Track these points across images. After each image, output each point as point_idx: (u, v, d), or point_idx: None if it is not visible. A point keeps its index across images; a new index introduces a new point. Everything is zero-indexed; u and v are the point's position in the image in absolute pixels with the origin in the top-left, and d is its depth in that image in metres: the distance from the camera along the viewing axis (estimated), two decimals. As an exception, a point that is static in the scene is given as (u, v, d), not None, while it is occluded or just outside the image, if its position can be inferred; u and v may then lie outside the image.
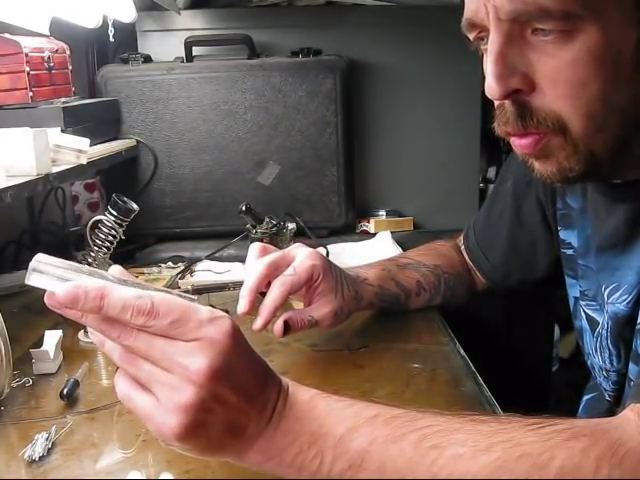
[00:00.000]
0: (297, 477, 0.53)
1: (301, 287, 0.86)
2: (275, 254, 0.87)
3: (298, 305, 1.11)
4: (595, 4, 0.54)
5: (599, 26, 0.55)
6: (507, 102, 0.61)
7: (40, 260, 0.52)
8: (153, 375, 0.50)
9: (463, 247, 1.07)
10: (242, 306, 0.82)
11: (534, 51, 0.58)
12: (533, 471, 0.48)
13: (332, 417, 0.53)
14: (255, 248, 0.89)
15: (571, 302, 0.83)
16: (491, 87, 0.59)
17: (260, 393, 0.53)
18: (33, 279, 0.51)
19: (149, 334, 0.49)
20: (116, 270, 0.55)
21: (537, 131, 0.60)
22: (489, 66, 0.59)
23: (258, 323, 0.82)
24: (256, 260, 0.87)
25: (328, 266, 0.88)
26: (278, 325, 0.84)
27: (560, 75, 0.57)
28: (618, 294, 0.69)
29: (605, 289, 0.71)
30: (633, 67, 0.57)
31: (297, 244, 0.91)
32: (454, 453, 0.50)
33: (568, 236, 0.82)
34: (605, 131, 0.59)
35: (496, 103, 0.62)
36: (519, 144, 0.62)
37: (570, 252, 0.81)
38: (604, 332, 0.72)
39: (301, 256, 0.86)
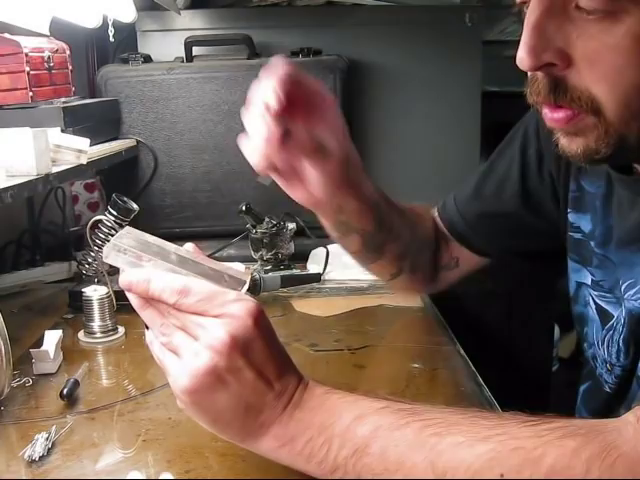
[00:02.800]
0: (305, 465, 0.56)
1: (306, 96, 0.72)
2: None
3: (297, 304, 1.11)
4: None
5: None
6: (540, 73, 0.58)
7: (116, 242, 0.60)
8: (182, 341, 0.56)
9: (440, 220, 0.97)
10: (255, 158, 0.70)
11: (575, 27, 0.55)
12: (525, 465, 0.49)
13: (342, 408, 0.57)
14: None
15: (572, 286, 0.81)
16: (522, 58, 0.57)
17: (277, 379, 0.57)
18: (110, 259, 0.60)
19: (182, 312, 0.56)
20: (190, 246, 0.65)
21: (570, 107, 0.58)
22: (523, 36, 0.57)
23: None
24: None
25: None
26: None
27: (599, 58, 0.55)
28: (634, 291, 0.68)
29: (622, 284, 0.70)
30: None
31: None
32: (453, 441, 0.52)
33: (578, 220, 0.79)
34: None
35: (529, 72, 0.60)
36: (550, 117, 0.60)
37: (578, 236, 0.79)
38: (619, 327, 0.71)
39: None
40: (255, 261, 1.29)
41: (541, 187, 0.85)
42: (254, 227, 1.28)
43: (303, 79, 0.71)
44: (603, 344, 0.74)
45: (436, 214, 0.97)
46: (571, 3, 0.55)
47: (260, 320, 0.56)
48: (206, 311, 0.56)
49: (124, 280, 0.58)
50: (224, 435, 0.59)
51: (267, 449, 0.57)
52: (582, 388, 0.83)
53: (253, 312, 0.56)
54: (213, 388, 0.55)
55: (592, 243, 0.76)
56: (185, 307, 0.56)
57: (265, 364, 0.56)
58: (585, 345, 0.80)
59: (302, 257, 1.32)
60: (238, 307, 0.56)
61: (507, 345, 1.49)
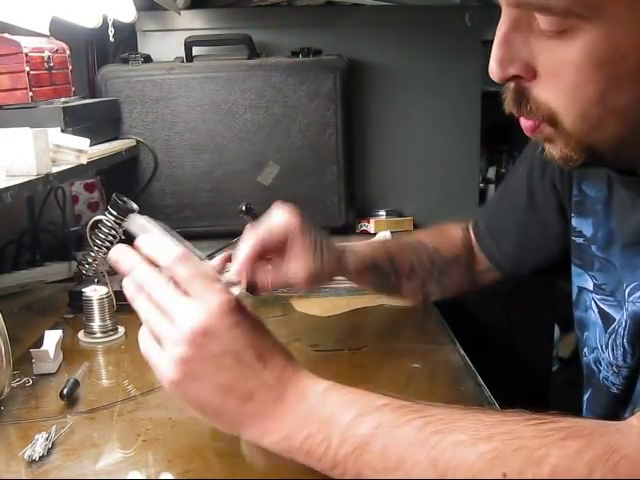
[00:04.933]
0: (304, 460, 0.56)
1: (273, 244, 0.80)
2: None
3: (297, 304, 1.11)
4: (598, 5, 0.52)
5: (601, 28, 0.53)
6: (511, 84, 0.61)
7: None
8: (162, 327, 0.58)
9: (472, 233, 1.03)
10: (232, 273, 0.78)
11: (538, 42, 0.57)
12: (528, 465, 0.49)
13: (343, 406, 0.57)
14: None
15: (574, 291, 0.81)
16: (492, 70, 0.59)
17: (262, 367, 0.58)
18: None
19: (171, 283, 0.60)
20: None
21: (530, 118, 0.61)
22: (493, 49, 0.59)
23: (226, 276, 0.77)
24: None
25: (305, 225, 0.82)
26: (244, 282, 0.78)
27: (559, 73, 0.57)
28: (639, 293, 0.67)
29: (626, 287, 0.69)
30: (638, 70, 0.54)
31: (277, 204, 0.85)
32: (455, 439, 0.51)
33: (579, 224, 0.80)
34: (603, 130, 0.58)
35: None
36: (522, 125, 0.63)
37: (580, 241, 0.80)
38: (621, 330, 0.71)
39: (276, 213, 0.82)
40: (255, 261, 1.29)
41: (545, 196, 0.87)
42: (254, 227, 1.28)
43: (269, 235, 0.80)
44: (607, 347, 0.74)
45: (472, 232, 1.03)
46: (535, 20, 0.56)
47: (235, 309, 0.58)
48: (191, 289, 0.58)
49: (139, 240, 0.65)
50: (219, 426, 0.59)
51: (266, 443, 0.57)
52: (585, 397, 0.83)
53: (226, 302, 0.58)
54: (194, 377, 0.57)
55: (593, 247, 0.77)
56: (176, 273, 0.59)
57: (245, 351, 0.58)
58: (586, 350, 0.79)
59: (302, 257, 1.32)
60: (215, 296, 0.58)
61: (507, 345, 1.50)
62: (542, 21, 0.55)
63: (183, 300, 0.58)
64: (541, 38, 0.57)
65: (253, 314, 0.60)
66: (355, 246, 0.92)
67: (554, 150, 0.62)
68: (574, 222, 0.81)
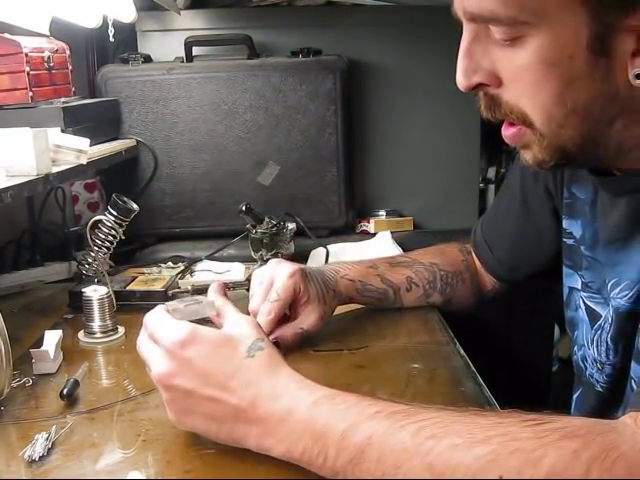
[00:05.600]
0: (308, 467, 0.58)
1: (286, 308, 0.89)
2: (259, 290, 0.90)
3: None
4: (541, 11, 0.57)
5: (547, 32, 0.57)
6: (480, 93, 0.65)
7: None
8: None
9: (471, 243, 1.06)
10: None
11: (496, 51, 0.62)
12: (525, 467, 0.49)
13: (335, 417, 0.57)
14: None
15: (565, 292, 0.83)
16: (458, 80, 0.64)
17: (230, 394, 0.61)
18: None
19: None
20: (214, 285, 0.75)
21: (509, 120, 0.65)
22: (458, 60, 0.64)
23: None
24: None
25: (307, 277, 0.91)
26: None
27: (518, 77, 0.61)
28: (619, 289, 0.69)
29: (608, 283, 0.72)
30: (589, 68, 0.58)
31: (274, 260, 0.94)
32: (450, 443, 0.51)
33: (570, 225, 0.82)
34: (568, 128, 0.62)
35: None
36: (504, 134, 0.67)
37: (571, 242, 0.81)
38: (606, 326, 0.73)
39: (281, 277, 0.89)
40: (255, 261, 1.29)
41: (539, 201, 0.90)
42: (254, 227, 1.28)
43: (283, 304, 0.88)
44: (592, 344, 0.75)
45: (471, 243, 1.07)
46: (490, 31, 0.61)
47: (185, 345, 0.62)
48: (157, 341, 0.64)
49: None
50: (223, 438, 0.63)
51: (274, 455, 0.59)
52: (575, 396, 0.83)
53: (179, 340, 0.62)
54: (184, 412, 0.63)
55: (582, 247, 0.79)
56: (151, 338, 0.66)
57: (205, 384, 0.61)
58: (575, 348, 0.81)
59: (302, 257, 1.32)
60: (168, 339, 0.63)
61: (507, 345, 1.49)
62: (495, 31, 0.60)
63: (153, 349, 0.65)
64: (498, 47, 0.61)
65: (215, 338, 0.63)
66: (342, 271, 0.98)
67: (528, 155, 0.66)
68: (565, 224, 0.83)
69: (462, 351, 0.90)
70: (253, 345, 0.63)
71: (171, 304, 0.69)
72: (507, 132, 0.66)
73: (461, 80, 0.64)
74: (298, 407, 0.58)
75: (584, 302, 0.78)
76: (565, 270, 0.83)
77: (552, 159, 0.64)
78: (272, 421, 0.59)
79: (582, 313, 0.78)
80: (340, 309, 0.99)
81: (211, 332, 0.64)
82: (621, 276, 0.69)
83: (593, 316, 0.76)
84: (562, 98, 0.60)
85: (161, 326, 0.65)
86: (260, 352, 0.63)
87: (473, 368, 0.84)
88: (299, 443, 0.57)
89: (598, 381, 0.75)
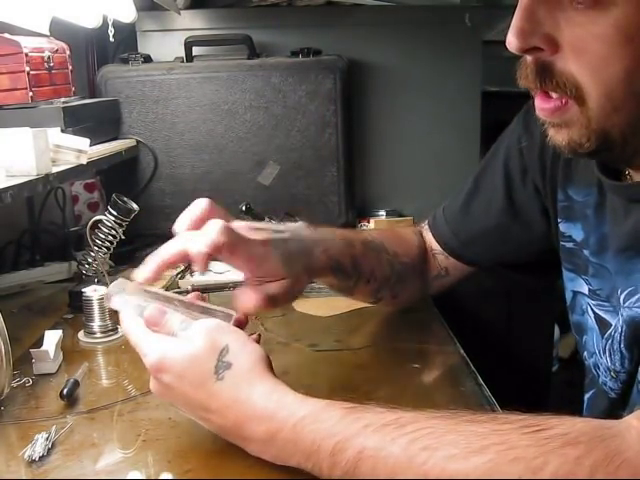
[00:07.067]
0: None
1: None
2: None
3: (297, 305, 1.11)
4: None
5: (635, 3, 0.52)
6: (529, 57, 0.59)
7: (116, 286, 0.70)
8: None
9: (426, 226, 1.00)
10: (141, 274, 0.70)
11: (564, 14, 0.56)
12: (526, 475, 0.48)
13: (321, 435, 0.55)
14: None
15: (568, 296, 0.81)
16: (510, 40, 0.58)
17: (212, 416, 0.61)
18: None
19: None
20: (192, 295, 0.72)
21: (556, 94, 0.59)
22: (514, 18, 0.58)
23: (139, 275, 0.70)
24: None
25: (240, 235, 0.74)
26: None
27: (585, 46, 0.55)
28: (635, 298, 0.66)
29: (621, 292, 0.69)
30: None
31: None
32: (446, 454, 0.50)
33: (568, 229, 0.79)
34: (622, 112, 0.57)
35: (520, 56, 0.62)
36: (540, 107, 0.61)
37: (570, 245, 0.79)
38: (617, 335, 0.70)
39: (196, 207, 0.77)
40: (255, 261, 1.29)
41: (527, 200, 0.87)
42: (254, 227, 1.28)
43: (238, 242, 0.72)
44: (605, 353, 0.73)
45: (426, 228, 1.00)
46: None
47: (160, 373, 0.62)
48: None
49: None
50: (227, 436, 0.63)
51: (280, 461, 0.59)
52: (587, 397, 0.82)
53: (152, 368, 0.63)
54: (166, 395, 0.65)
55: (586, 252, 0.76)
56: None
57: (190, 405, 0.63)
58: (585, 354, 0.79)
59: (302, 257, 1.32)
60: (146, 362, 0.64)
61: (507, 345, 1.49)
62: None
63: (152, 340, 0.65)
64: (568, 10, 0.56)
65: (183, 361, 0.61)
66: (325, 244, 0.84)
67: (562, 136, 0.61)
68: (562, 227, 0.81)
69: (462, 351, 0.90)
70: (219, 364, 0.60)
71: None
72: (546, 104, 0.60)
73: (515, 42, 0.57)
74: (282, 429, 0.57)
75: (592, 309, 0.76)
76: (567, 274, 0.81)
77: (592, 144, 0.59)
78: (260, 441, 0.59)
79: (591, 320, 0.76)
80: (340, 309, 0.99)
81: (178, 355, 0.61)
82: (638, 285, 0.66)
83: (603, 324, 0.74)
84: (629, 77, 0.55)
85: (137, 347, 0.65)
86: (228, 372, 0.60)
87: (473, 368, 0.84)
88: (292, 459, 0.57)
89: (612, 389, 0.74)
